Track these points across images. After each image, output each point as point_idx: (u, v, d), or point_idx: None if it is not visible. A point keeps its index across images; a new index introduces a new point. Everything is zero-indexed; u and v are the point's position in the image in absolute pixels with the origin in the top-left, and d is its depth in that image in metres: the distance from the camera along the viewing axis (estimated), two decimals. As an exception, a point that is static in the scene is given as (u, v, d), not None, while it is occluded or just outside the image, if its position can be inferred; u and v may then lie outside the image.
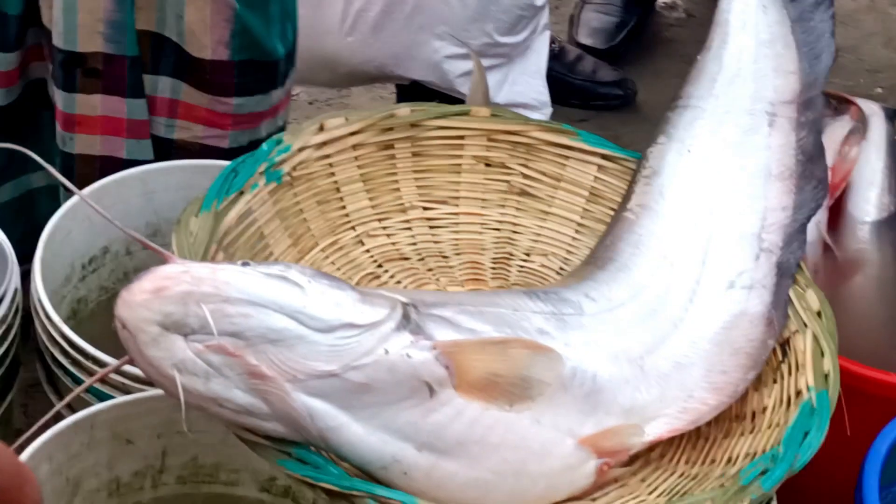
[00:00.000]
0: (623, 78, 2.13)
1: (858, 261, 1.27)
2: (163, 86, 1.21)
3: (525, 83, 1.59)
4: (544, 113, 1.59)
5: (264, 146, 1.01)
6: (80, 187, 1.24)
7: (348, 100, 2.06)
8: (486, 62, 1.26)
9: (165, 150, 1.24)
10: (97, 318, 1.13)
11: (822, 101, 1.10)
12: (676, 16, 2.43)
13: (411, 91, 1.62)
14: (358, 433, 0.77)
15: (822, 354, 0.92)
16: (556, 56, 1.98)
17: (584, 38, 2.20)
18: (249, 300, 0.74)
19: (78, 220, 1.10)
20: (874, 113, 1.36)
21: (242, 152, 1.27)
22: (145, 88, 1.21)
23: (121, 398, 0.94)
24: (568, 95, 2.03)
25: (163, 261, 0.77)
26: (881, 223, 1.29)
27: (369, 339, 0.77)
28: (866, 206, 1.29)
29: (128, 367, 0.95)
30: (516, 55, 1.59)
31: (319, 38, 1.55)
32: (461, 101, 1.14)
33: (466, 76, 1.52)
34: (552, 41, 1.79)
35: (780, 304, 0.97)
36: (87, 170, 1.22)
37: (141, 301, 0.73)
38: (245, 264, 0.77)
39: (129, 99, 1.20)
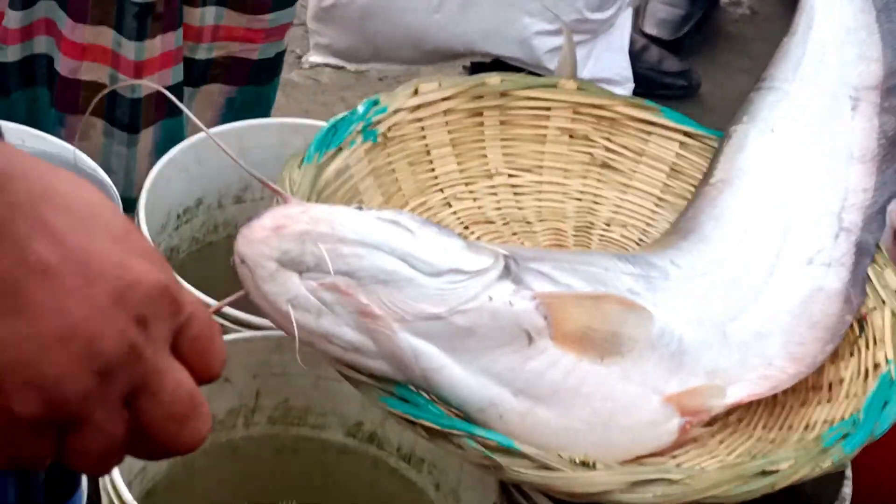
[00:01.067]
0: (687, 69, 2.15)
1: (928, 250, 1.29)
2: (208, 16, 1.29)
3: (609, 59, 1.61)
4: (627, 88, 1.62)
5: (361, 106, 1.04)
6: (145, 126, 1.31)
7: (417, 77, 2.09)
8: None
9: (202, 70, 1.32)
10: (187, 268, 1.16)
11: (906, 88, 1.12)
12: (741, 12, 2.44)
13: (488, 69, 1.64)
14: (459, 375, 0.79)
15: (901, 329, 0.94)
16: (622, 45, 2.00)
17: (650, 29, 2.23)
18: (363, 241, 0.77)
19: (178, 169, 1.13)
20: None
21: (270, 64, 1.37)
22: (193, 21, 1.28)
23: (220, 338, 0.97)
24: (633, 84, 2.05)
25: (272, 204, 0.80)
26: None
27: (475, 285, 0.79)
28: (939, 196, 1.30)
29: (227, 309, 0.98)
30: (602, 31, 1.61)
31: (404, 15, 1.57)
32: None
33: (554, 52, 1.54)
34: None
35: (858, 282, 0.99)
36: (149, 107, 1.29)
37: (261, 238, 0.76)
38: (359, 208, 0.80)
39: (178, 30, 1.27)
